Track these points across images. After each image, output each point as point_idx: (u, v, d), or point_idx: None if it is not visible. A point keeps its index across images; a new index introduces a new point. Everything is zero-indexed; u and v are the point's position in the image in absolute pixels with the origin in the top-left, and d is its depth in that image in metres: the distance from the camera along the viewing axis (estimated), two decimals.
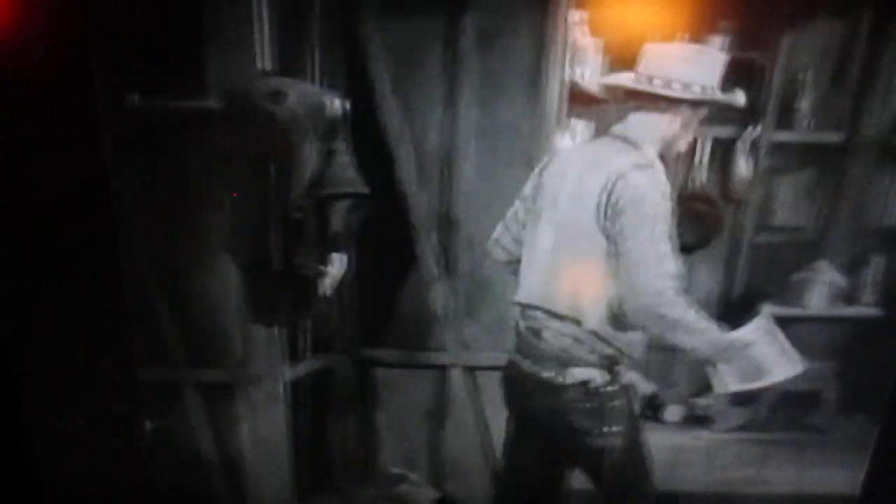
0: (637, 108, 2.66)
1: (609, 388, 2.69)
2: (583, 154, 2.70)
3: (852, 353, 4.70)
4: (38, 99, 2.17)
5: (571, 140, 3.52)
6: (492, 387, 3.84)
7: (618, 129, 2.68)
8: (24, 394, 2.38)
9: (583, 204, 2.57)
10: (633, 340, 2.68)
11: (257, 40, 2.98)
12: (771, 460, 4.46)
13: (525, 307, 2.78)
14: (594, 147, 2.73)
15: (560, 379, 2.70)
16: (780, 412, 4.84)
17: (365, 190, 3.15)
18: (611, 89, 2.80)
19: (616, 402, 2.71)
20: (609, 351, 2.66)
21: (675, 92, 2.58)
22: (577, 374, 2.69)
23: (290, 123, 2.97)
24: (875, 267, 4.55)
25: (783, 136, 4.55)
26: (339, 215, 3.18)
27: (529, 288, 2.76)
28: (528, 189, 2.84)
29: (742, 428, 4.75)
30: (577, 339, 2.66)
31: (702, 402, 4.84)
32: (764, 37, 4.38)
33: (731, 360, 2.56)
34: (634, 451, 2.81)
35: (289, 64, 3.13)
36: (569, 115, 3.50)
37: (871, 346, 4.77)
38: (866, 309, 4.56)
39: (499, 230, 2.92)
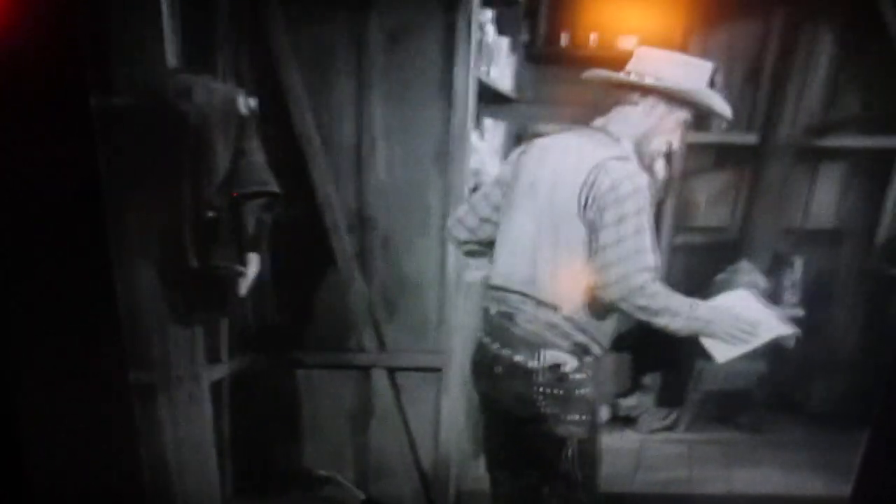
0: (616, 103, 2.68)
1: (578, 376, 2.68)
2: (563, 143, 2.71)
3: (778, 353, 4.75)
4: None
5: (480, 138, 3.56)
6: (413, 387, 3.88)
7: (599, 121, 2.70)
8: (18, 396, 2.36)
9: (563, 192, 2.58)
10: (605, 330, 2.70)
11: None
12: (702, 461, 4.48)
13: (499, 290, 2.77)
14: (574, 137, 2.72)
15: (532, 362, 2.69)
16: (708, 413, 4.88)
17: (277, 189, 3.15)
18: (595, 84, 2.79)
19: (583, 391, 2.70)
20: (581, 338, 2.66)
21: (642, 81, 2.62)
22: (549, 356, 2.69)
23: (201, 122, 2.96)
24: (796, 267, 4.61)
25: (698, 138, 4.61)
26: (252, 215, 3.18)
27: (505, 271, 2.75)
28: (505, 173, 2.83)
29: (669, 428, 4.78)
30: (550, 325, 2.65)
31: (626, 402, 4.88)
32: (674, 36, 4.43)
33: (716, 332, 2.57)
34: (592, 445, 2.81)
35: (197, 61, 3.13)
36: (479, 114, 3.53)
37: (796, 347, 4.83)
38: (789, 309, 4.58)
39: (463, 210, 2.93)
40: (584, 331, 2.66)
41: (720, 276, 4.52)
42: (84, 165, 2.25)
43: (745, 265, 4.45)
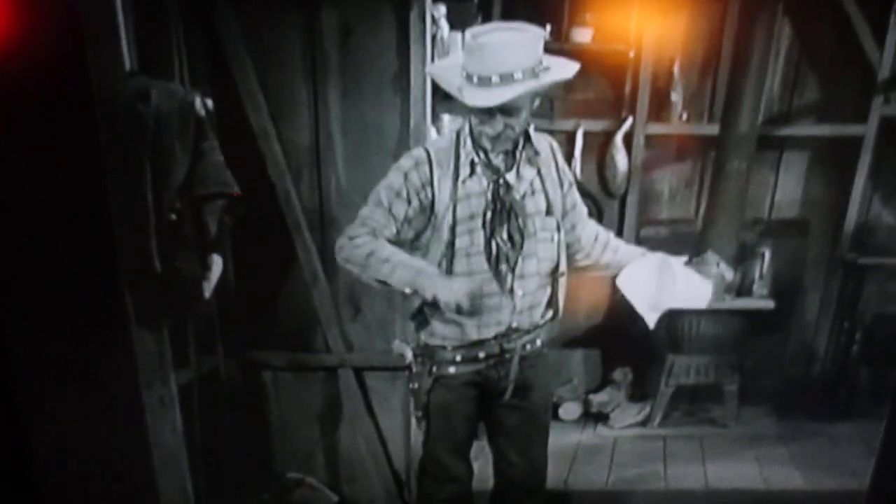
0: None
1: (413, 370, 2.77)
2: None
3: (749, 345, 4.75)
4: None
5: (438, 133, 3.54)
6: (382, 386, 3.86)
7: None
8: (24, 398, 2.33)
9: None
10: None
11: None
12: (677, 456, 4.46)
13: None
14: None
15: None
16: (681, 407, 4.88)
17: (236, 190, 3.13)
18: None
19: (413, 385, 2.77)
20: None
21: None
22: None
23: (158, 124, 2.95)
24: (764, 259, 4.59)
25: (657, 129, 4.64)
26: (213, 216, 3.16)
27: None
28: None
29: (642, 424, 4.76)
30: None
31: (598, 398, 4.86)
32: (630, 28, 4.48)
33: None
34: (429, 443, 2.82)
35: (153, 64, 3.11)
36: (436, 109, 3.52)
37: (766, 339, 4.84)
38: (758, 301, 4.61)
39: None
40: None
41: None
42: (88, 165, 2.28)
43: (710, 257, 4.42)
